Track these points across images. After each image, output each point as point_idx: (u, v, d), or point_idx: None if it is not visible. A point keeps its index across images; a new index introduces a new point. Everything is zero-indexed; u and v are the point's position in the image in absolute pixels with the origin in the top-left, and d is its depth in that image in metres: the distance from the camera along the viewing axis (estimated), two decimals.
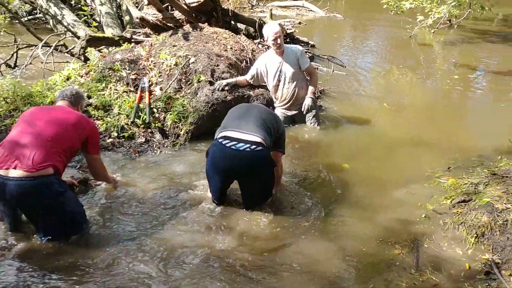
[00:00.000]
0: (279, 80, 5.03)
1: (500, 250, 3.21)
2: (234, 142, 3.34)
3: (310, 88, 5.14)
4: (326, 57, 7.90)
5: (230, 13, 6.66)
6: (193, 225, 3.43)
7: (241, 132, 3.40)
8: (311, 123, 5.21)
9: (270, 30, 4.85)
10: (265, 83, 5.19)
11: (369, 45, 10.43)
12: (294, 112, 5.21)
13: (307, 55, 5.99)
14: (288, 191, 3.98)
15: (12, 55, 6.79)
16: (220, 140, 3.40)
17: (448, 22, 11.36)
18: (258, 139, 3.37)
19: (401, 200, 3.93)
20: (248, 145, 3.32)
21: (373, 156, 4.83)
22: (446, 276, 3.01)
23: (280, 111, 5.15)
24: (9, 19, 8.12)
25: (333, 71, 7.52)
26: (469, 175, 4.17)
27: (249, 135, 3.37)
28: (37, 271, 2.87)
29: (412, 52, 10.06)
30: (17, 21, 8.53)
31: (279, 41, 4.84)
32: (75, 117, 3.33)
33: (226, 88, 5.02)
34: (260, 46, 6.43)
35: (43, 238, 3.11)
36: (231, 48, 5.80)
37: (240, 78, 5.21)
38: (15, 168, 2.92)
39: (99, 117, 4.73)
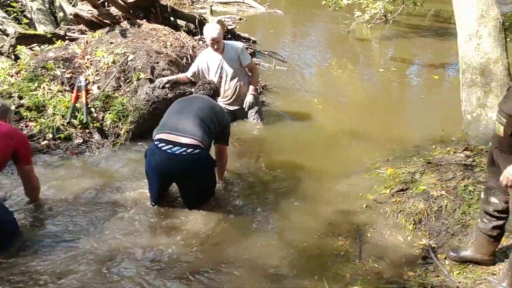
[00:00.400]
0: (220, 77, 5.00)
1: (436, 235, 3.37)
2: (169, 146, 3.27)
3: (252, 85, 5.14)
4: (267, 52, 7.94)
5: (169, 9, 6.55)
6: (133, 226, 3.32)
7: (177, 135, 3.32)
8: (254, 119, 5.22)
9: (208, 34, 4.79)
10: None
11: (309, 40, 10.59)
12: (236, 108, 5.20)
13: (248, 51, 5.99)
14: (230, 187, 3.96)
15: None
16: (156, 143, 3.32)
17: (384, 17, 11.78)
18: (195, 142, 3.30)
19: (343, 192, 4.02)
20: (184, 149, 3.26)
21: (315, 150, 4.90)
22: (387, 263, 3.11)
23: (222, 106, 5.11)
24: None
25: (274, 66, 7.57)
26: (407, 165, 4.33)
27: (185, 138, 3.31)
28: None
29: (350, 47, 10.33)
30: None
31: (216, 46, 4.82)
32: (4, 127, 3.15)
33: (167, 85, 4.92)
34: (200, 42, 6.37)
35: None
36: (171, 44, 5.70)
37: (181, 75, 5.12)
38: None
39: (32, 119, 4.49)
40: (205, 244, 3.22)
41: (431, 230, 3.41)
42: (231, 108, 5.19)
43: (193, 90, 5.03)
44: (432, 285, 2.86)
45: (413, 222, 3.49)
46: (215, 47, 4.83)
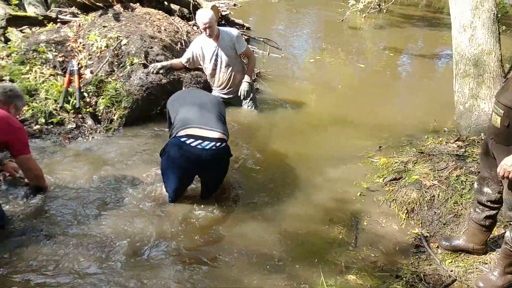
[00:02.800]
0: (215, 65, 4.96)
1: (428, 224, 3.42)
2: (199, 141, 3.26)
3: (247, 72, 5.10)
4: (262, 39, 7.89)
5: None
6: (134, 214, 3.30)
7: (204, 129, 3.32)
8: (248, 106, 5.20)
9: (200, 20, 4.75)
10: (201, 66, 5.09)
11: (303, 27, 10.54)
12: (230, 96, 5.17)
13: (243, 38, 5.95)
14: (227, 176, 3.95)
15: None
16: (183, 140, 3.26)
17: (377, 6, 11.76)
18: (221, 135, 3.34)
19: (337, 180, 4.05)
20: (213, 143, 3.27)
21: (309, 138, 4.91)
22: (381, 252, 3.16)
23: (216, 94, 5.08)
24: None
25: (268, 53, 7.53)
26: (399, 154, 4.38)
27: (212, 132, 3.32)
28: None
29: (344, 36, 10.29)
30: None
31: (208, 31, 4.76)
32: None
33: (161, 71, 4.86)
34: (195, 28, 6.29)
35: None
36: (165, 29, 5.62)
37: (175, 61, 5.07)
38: None
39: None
40: (206, 234, 3.22)
41: (423, 219, 3.47)
42: (226, 96, 5.15)
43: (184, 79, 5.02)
44: (425, 274, 2.91)
45: (406, 211, 3.54)
46: (208, 32, 4.78)
